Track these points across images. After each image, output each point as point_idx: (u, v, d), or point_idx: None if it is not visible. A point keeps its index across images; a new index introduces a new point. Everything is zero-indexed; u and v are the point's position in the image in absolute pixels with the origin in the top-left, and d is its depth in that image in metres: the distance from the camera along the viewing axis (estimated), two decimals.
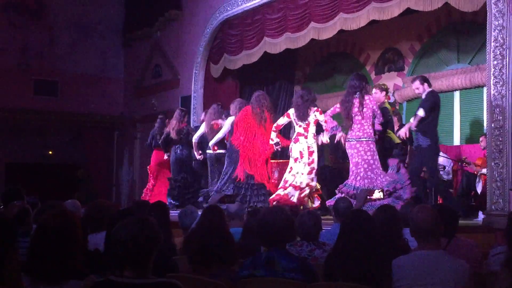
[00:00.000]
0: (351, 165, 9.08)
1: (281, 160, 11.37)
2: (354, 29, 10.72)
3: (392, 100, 11.91)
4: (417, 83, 8.98)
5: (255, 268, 4.02)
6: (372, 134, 9.01)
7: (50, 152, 18.42)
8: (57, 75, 17.58)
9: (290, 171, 9.70)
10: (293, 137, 9.79)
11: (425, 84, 8.91)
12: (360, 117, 8.95)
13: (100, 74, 18.31)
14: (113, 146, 18.55)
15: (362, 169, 8.92)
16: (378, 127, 9.09)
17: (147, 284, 2.91)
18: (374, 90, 9.82)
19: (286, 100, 14.34)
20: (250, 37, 12.76)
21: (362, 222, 3.98)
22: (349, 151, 9.07)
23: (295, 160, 9.64)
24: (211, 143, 10.99)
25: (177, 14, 15.46)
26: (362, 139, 8.95)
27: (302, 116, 9.62)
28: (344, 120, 9.13)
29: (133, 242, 2.93)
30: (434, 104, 8.78)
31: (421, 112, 8.71)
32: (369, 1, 9.99)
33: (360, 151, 8.94)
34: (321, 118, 9.58)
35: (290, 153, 9.73)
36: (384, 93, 9.82)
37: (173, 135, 11.95)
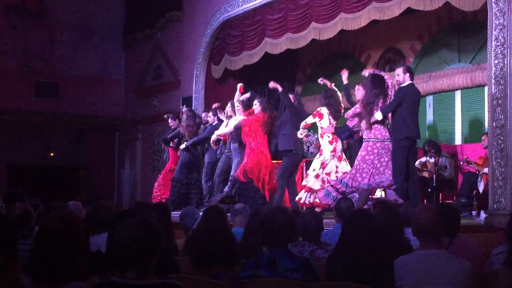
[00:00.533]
0: (376, 163, 8.84)
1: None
2: (355, 29, 10.72)
3: None
4: (399, 70, 8.77)
5: (257, 269, 4.02)
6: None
7: (52, 154, 18.44)
8: (58, 76, 17.59)
9: (337, 172, 9.57)
10: (330, 135, 9.68)
11: (407, 74, 8.67)
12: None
13: (101, 75, 18.31)
14: (115, 147, 18.55)
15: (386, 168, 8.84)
16: None
17: (149, 285, 2.92)
18: (356, 87, 9.59)
19: None
20: (251, 37, 12.76)
21: (363, 222, 3.98)
22: (375, 150, 8.83)
23: (339, 159, 9.66)
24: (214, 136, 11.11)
25: (177, 15, 15.47)
26: (388, 140, 8.86)
27: (337, 114, 9.77)
28: (365, 120, 8.93)
29: (135, 243, 2.94)
30: (399, 102, 8.59)
31: (377, 115, 8.67)
32: (370, 1, 9.98)
33: (388, 152, 8.83)
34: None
35: (333, 153, 9.62)
36: None
37: (187, 137, 12.01)
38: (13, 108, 16.70)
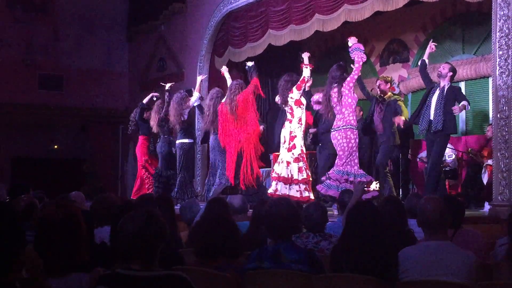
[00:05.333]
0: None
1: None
2: (358, 21, 10.70)
3: (397, 91, 11.88)
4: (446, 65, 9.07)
5: (261, 260, 4.02)
6: (352, 121, 9.07)
7: (56, 147, 18.47)
8: (62, 69, 17.63)
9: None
10: None
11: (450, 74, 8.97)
12: (339, 107, 9.10)
13: (105, 68, 18.35)
14: (119, 140, 18.58)
15: (343, 157, 9.02)
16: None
17: (154, 277, 2.92)
18: (378, 82, 9.92)
19: None
20: (255, 29, 12.74)
21: (367, 213, 3.97)
22: (333, 141, 9.22)
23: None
24: None
25: (181, 7, 15.46)
26: (341, 128, 9.07)
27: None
28: (324, 111, 9.46)
29: (140, 234, 2.94)
30: None
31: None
32: None
33: (339, 140, 9.05)
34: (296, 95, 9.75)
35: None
36: (388, 84, 9.86)
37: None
38: (17, 101, 16.75)
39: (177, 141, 11.33)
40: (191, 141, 11.39)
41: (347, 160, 9.01)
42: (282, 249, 4.00)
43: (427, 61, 9.11)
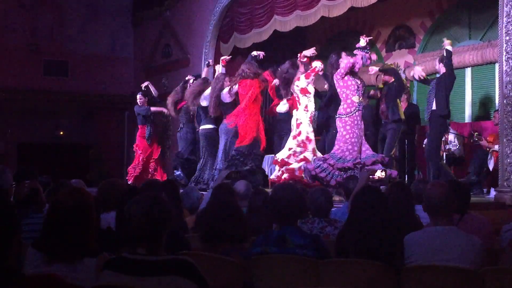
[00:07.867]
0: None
1: None
2: (364, 6, 10.66)
3: (402, 77, 11.86)
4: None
5: (267, 245, 4.02)
6: (340, 110, 9.07)
7: (61, 133, 18.50)
8: (67, 55, 17.64)
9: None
10: None
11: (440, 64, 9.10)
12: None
13: (110, 54, 18.34)
14: (124, 125, 18.59)
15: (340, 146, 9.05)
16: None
17: (160, 261, 2.92)
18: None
19: None
20: (260, 15, 12.69)
21: (373, 198, 3.97)
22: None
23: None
24: None
25: None
26: (336, 116, 9.17)
27: None
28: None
29: (145, 219, 2.94)
30: None
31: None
32: None
33: (339, 127, 9.07)
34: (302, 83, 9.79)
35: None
36: None
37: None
38: (22, 87, 16.76)
39: (201, 127, 11.39)
40: (215, 127, 11.37)
41: (344, 151, 8.97)
42: (287, 234, 4.00)
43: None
